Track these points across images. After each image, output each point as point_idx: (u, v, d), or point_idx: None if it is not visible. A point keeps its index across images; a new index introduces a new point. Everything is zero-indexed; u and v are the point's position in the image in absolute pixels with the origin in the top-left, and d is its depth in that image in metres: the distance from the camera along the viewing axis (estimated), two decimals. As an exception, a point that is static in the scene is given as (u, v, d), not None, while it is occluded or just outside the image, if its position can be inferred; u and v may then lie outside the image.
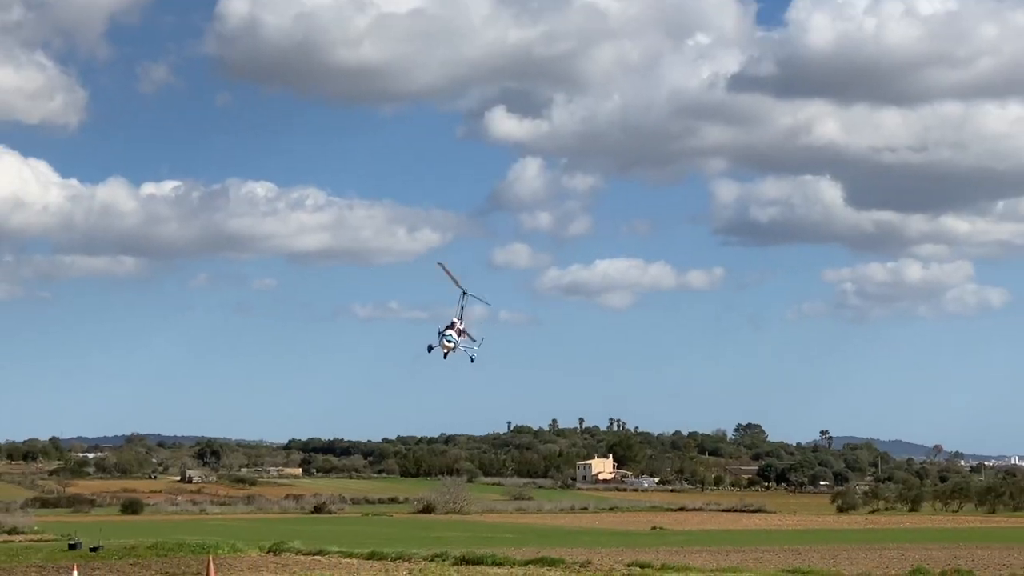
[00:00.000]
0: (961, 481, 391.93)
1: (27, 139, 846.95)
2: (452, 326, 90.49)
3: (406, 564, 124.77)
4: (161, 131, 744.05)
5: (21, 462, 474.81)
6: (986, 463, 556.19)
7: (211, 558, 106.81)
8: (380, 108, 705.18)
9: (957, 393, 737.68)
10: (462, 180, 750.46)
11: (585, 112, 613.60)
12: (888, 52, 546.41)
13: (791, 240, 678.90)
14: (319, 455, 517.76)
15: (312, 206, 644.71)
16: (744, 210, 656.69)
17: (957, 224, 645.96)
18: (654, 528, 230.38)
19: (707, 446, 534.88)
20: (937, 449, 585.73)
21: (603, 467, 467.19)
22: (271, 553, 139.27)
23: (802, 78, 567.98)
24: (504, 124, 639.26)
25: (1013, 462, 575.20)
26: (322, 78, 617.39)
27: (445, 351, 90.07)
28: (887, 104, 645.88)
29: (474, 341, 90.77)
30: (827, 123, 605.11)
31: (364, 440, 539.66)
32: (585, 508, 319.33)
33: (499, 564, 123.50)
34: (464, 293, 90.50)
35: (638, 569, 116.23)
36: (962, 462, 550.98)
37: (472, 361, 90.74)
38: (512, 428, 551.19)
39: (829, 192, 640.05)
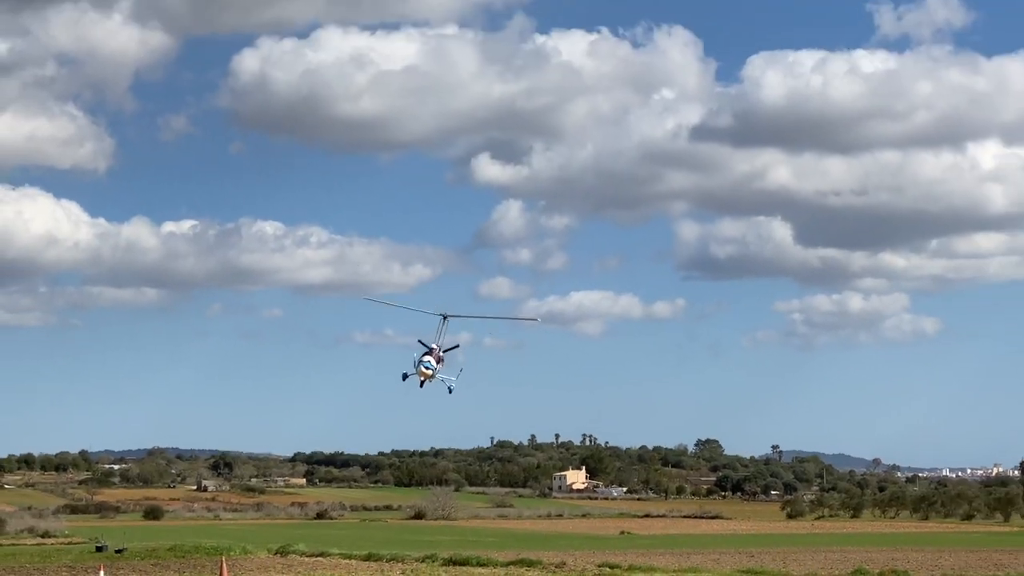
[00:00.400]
0: (898, 491, 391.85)
1: (60, 182, 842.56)
2: (430, 352, 78.70)
3: (400, 565, 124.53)
4: (180, 175, 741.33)
5: (54, 473, 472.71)
6: (920, 475, 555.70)
7: (224, 559, 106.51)
8: (377, 156, 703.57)
9: (894, 412, 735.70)
10: (451, 220, 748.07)
11: (562, 159, 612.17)
12: (833, 106, 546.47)
13: (746, 275, 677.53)
14: (321, 467, 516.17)
15: (316, 243, 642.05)
16: (704, 248, 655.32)
17: (895, 260, 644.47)
18: (622, 533, 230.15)
19: (670, 459, 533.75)
20: (876, 462, 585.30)
21: (577, 478, 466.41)
22: (278, 555, 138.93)
23: (756, 129, 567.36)
24: (489, 170, 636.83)
25: (944, 474, 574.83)
26: (326, 129, 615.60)
27: (422, 379, 78.15)
28: (832, 153, 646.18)
29: (457, 375, 79.10)
30: (779, 170, 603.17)
31: (362, 453, 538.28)
32: (560, 515, 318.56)
33: (483, 565, 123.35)
34: (444, 318, 78.87)
35: (608, 569, 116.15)
36: (899, 474, 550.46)
37: (450, 392, 78.87)
38: (495, 443, 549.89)
39: (780, 231, 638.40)
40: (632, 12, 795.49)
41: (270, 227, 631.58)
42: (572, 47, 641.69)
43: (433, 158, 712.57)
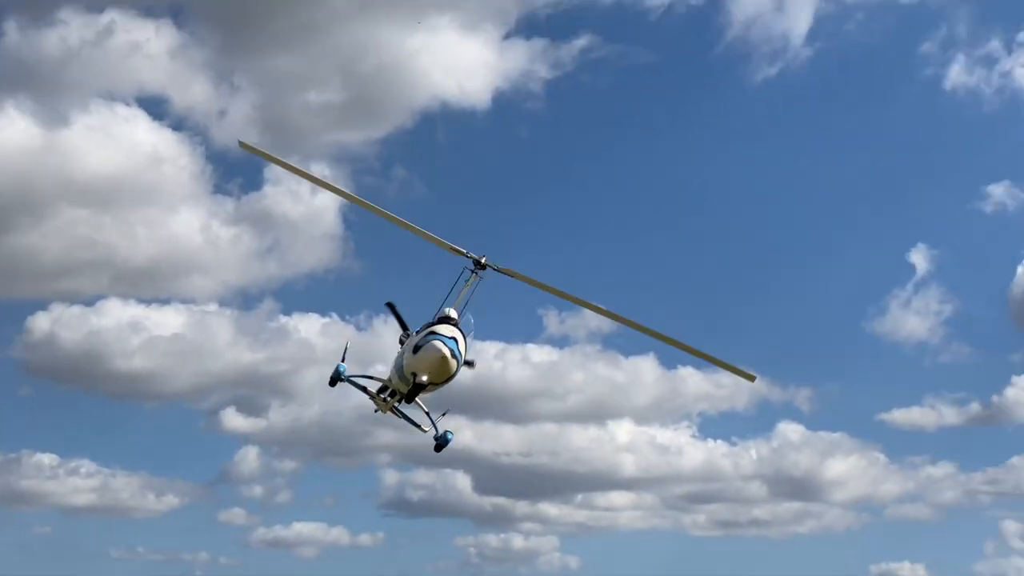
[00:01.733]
0: None
1: None
2: (448, 320, 34.71)
3: None
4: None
5: None
6: None
7: None
8: (144, 403, 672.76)
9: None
10: (200, 459, 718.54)
11: (293, 415, 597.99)
12: (509, 386, 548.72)
13: (433, 515, 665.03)
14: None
15: (85, 473, 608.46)
16: (402, 491, 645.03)
17: (549, 509, 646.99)
18: None
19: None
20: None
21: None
22: None
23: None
24: (234, 420, 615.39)
25: None
26: (103, 380, 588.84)
27: (424, 379, 33.78)
28: (506, 422, 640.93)
29: (441, 415, 38.10)
30: (464, 433, 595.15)
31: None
32: None
33: None
34: (481, 266, 35.72)
35: None
36: None
37: (445, 445, 37.80)
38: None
39: (461, 481, 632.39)
40: (356, 303, 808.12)
41: (47, 458, 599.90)
42: (308, 327, 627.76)
43: (189, 408, 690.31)
